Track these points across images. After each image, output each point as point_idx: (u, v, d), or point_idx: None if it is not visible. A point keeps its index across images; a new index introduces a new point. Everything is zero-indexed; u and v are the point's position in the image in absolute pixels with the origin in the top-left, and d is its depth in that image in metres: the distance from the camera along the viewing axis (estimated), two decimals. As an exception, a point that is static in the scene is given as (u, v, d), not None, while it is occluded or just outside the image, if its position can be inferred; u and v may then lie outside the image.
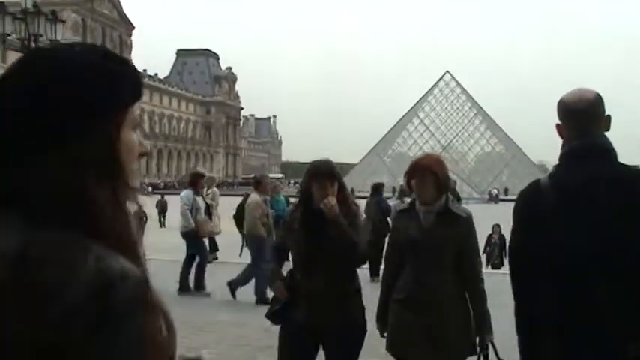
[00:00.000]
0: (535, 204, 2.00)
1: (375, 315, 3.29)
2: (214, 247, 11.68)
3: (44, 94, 0.80)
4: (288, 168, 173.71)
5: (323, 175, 3.11)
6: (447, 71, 75.73)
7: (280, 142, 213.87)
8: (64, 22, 12.96)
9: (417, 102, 75.95)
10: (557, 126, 2.07)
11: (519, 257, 2.07)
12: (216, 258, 11.49)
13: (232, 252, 11.73)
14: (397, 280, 3.17)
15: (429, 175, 3.01)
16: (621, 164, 1.99)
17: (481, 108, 74.56)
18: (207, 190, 11.48)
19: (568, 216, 1.89)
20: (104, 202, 0.81)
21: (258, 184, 8.50)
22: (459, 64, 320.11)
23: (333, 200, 3.06)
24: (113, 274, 0.77)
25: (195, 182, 9.11)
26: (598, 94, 2.04)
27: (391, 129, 75.63)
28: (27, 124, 0.79)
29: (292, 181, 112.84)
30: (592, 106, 2.00)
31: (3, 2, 11.70)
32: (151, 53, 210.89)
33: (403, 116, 76.14)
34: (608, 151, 1.98)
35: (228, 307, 7.95)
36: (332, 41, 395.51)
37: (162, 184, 76.41)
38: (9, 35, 11.75)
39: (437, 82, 75.48)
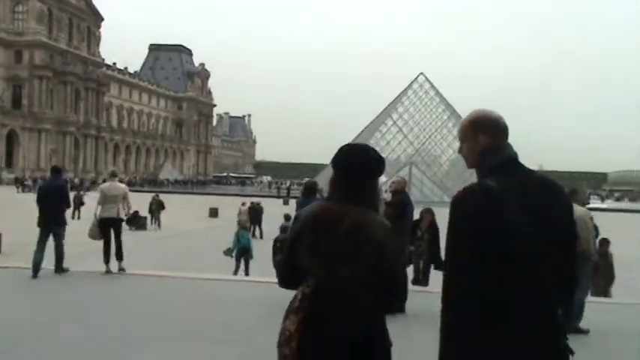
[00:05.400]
0: (494, 203, 2.11)
1: None
2: None
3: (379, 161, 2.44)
4: (262, 167, 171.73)
5: None
6: (421, 73, 74.51)
7: (255, 141, 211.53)
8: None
9: (390, 103, 74.57)
10: (478, 139, 2.31)
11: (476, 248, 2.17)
12: None
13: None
14: None
15: None
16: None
17: (455, 111, 73.37)
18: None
19: (526, 214, 2.11)
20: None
21: (575, 193, 7.24)
22: (436, 67, 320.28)
23: None
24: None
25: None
26: None
27: (363, 130, 74.17)
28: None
29: (266, 179, 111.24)
30: (506, 124, 2.35)
31: None
32: (121, 47, 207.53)
33: (376, 117, 74.74)
34: None
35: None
36: (308, 41, 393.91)
37: (124, 181, 74.01)
38: None
39: (410, 84, 74.16)
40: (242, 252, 14.41)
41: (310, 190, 8.68)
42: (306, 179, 13.83)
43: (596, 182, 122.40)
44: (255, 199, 29.81)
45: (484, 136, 2.30)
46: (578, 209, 6.52)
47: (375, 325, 2.27)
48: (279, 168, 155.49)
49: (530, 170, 2.29)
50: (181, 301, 8.02)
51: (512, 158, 2.27)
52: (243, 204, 26.37)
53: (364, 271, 2.22)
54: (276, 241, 12.25)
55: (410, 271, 9.09)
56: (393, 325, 2.53)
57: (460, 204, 2.19)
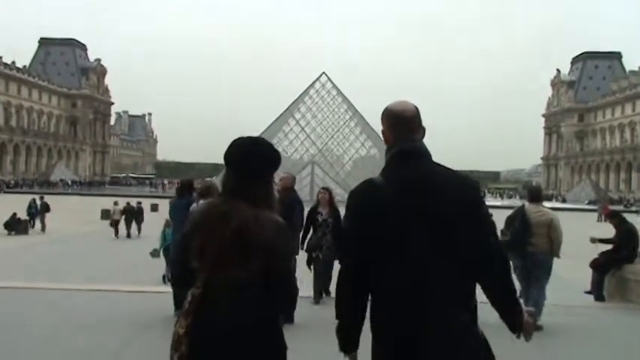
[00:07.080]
0: (374, 198, 2.20)
1: None
2: None
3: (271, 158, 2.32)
4: (164, 167, 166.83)
5: None
6: (324, 72, 74.61)
7: (156, 141, 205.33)
8: None
9: (293, 102, 74.24)
10: (384, 132, 2.38)
11: (352, 241, 2.28)
12: None
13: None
14: None
15: None
16: (439, 164, 2.33)
17: (357, 111, 74.16)
18: None
19: (407, 205, 2.16)
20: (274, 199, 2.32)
21: (537, 192, 7.81)
22: (342, 68, 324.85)
23: None
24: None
25: None
26: (417, 107, 2.39)
27: (267, 128, 73.43)
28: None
29: (166, 181, 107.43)
30: (416, 116, 2.37)
31: None
32: (8, 41, 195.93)
33: (279, 116, 74.21)
34: (429, 154, 2.34)
35: None
36: (209, 39, 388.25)
37: (12, 182, 69.19)
38: None
39: (313, 83, 74.16)
40: (167, 250, 13.54)
41: (184, 188, 7.98)
42: (207, 179, 13.44)
43: (491, 180, 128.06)
44: (133, 200, 28.66)
45: (386, 128, 2.38)
46: (550, 213, 7.20)
47: (265, 326, 2.20)
48: (180, 168, 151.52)
49: (432, 165, 2.27)
50: (38, 317, 7.04)
51: (406, 152, 2.27)
52: (116, 203, 25.55)
53: (252, 271, 2.17)
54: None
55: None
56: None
57: (350, 196, 2.30)
